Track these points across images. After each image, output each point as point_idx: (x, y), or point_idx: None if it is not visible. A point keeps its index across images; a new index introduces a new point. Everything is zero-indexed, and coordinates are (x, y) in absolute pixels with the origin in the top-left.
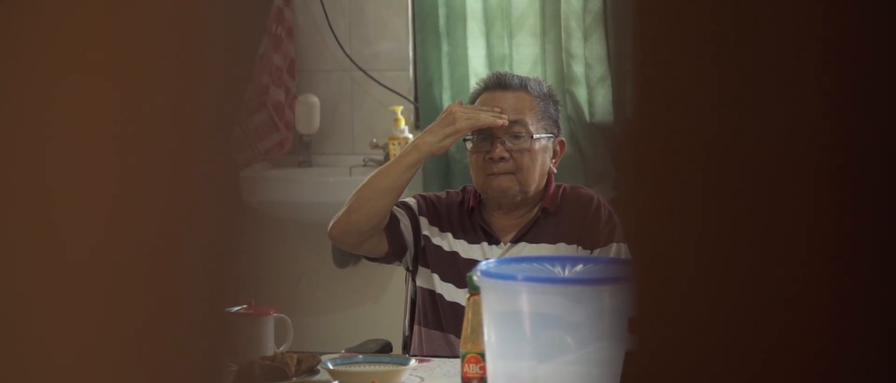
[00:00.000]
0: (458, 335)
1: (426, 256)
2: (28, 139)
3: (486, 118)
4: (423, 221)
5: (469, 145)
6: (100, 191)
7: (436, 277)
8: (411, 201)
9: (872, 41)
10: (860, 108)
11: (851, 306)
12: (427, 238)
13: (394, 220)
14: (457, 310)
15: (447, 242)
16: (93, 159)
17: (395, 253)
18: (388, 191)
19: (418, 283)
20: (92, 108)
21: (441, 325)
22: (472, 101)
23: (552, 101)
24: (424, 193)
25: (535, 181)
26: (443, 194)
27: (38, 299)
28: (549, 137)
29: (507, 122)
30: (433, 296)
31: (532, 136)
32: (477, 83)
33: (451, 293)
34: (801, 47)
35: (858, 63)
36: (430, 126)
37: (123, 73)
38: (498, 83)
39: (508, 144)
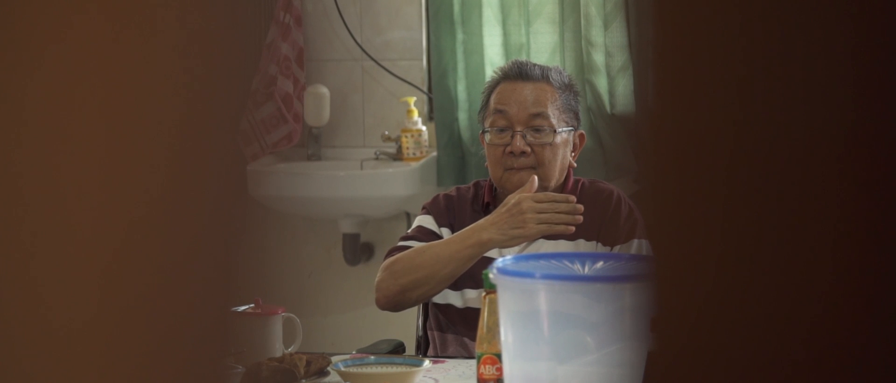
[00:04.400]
0: (474, 338)
1: None
2: (26, 136)
3: (560, 228)
4: (445, 233)
5: (487, 137)
6: (101, 187)
7: (450, 293)
8: (431, 225)
9: None
10: (890, 100)
11: (880, 304)
12: None
13: None
14: (473, 314)
15: None
16: (95, 154)
17: None
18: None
19: (433, 300)
20: (93, 103)
21: (456, 329)
22: (490, 91)
23: (573, 92)
24: (438, 197)
25: (556, 176)
26: (453, 191)
27: (39, 292)
28: (569, 130)
29: (573, 230)
30: (447, 307)
31: (555, 130)
32: (495, 72)
33: (466, 298)
34: (828, 34)
35: (888, 53)
36: (494, 217)
37: (125, 64)
38: (519, 73)
39: (529, 138)
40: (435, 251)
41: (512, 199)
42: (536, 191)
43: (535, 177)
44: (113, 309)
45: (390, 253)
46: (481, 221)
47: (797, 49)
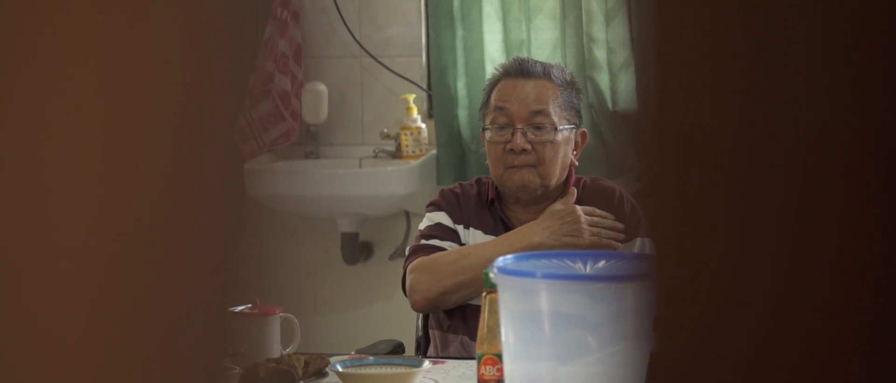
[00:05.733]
0: (475, 337)
1: None
2: (19, 132)
3: (607, 242)
4: (461, 230)
5: (488, 134)
6: (95, 186)
7: None
8: (448, 221)
9: None
10: (894, 98)
11: (882, 303)
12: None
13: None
14: (474, 313)
15: (466, 238)
16: (88, 153)
17: None
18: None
19: None
20: (86, 101)
21: (457, 328)
22: (491, 88)
23: (574, 90)
24: (444, 192)
25: (557, 175)
26: (457, 187)
27: (31, 293)
28: (571, 128)
29: (619, 247)
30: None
31: (556, 128)
32: (496, 69)
33: None
34: (831, 31)
35: (892, 51)
36: (546, 221)
37: (120, 63)
38: (520, 70)
39: (530, 135)
40: (482, 254)
41: (558, 206)
42: (536, 190)
43: (574, 190)
44: (109, 310)
45: (414, 252)
46: (531, 224)
47: (800, 46)
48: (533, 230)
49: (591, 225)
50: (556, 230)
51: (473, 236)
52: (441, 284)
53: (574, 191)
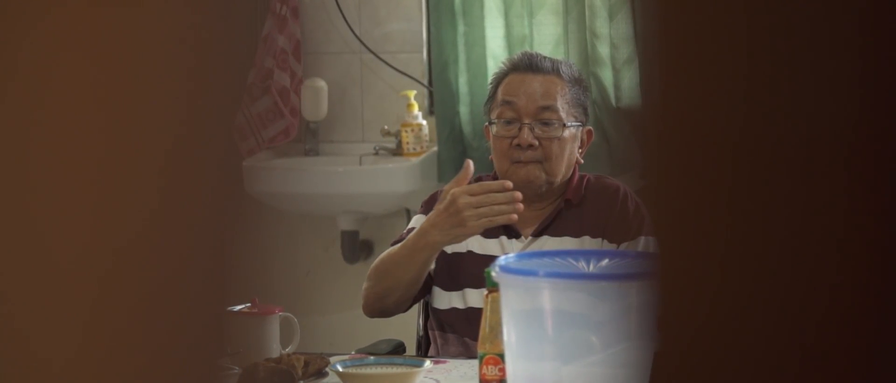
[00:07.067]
0: (476, 337)
1: (438, 274)
2: (14, 129)
3: (501, 219)
4: None
5: (494, 129)
6: (91, 184)
7: (453, 295)
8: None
9: None
10: None
11: (887, 302)
12: (442, 252)
13: None
14: (474, 315)
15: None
16: (83, 150)
17: (426, 290)
18: (413, 283)
19: (434, 305)
20: (81, 97)
21: (457, 329)
22: (499, 82)
23: (582, 87)
24: (436, 194)
25: (563, 172)
26: None
27: (27, 295)
28: (578, 126)
29: (516, 218)
30: (451, 310)
31: (564, 124)
32: (503, 63)
33: (467, 298)
34: (835, 29)
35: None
36: (434, 216)
37: (115, 58)
38: (528, 65)
39: (537, 131)
40: (394, 257)
41: (448, 195)
42: (541, 186)
43: (470, 162)
44: (107, 310)
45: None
46: (425, 223)
47: (804, 42)
48: (425, 229)
49: (478, 205)
50: (443, 224)
51: (472, 241)
52: (374, 290)
53: (469, 166)
